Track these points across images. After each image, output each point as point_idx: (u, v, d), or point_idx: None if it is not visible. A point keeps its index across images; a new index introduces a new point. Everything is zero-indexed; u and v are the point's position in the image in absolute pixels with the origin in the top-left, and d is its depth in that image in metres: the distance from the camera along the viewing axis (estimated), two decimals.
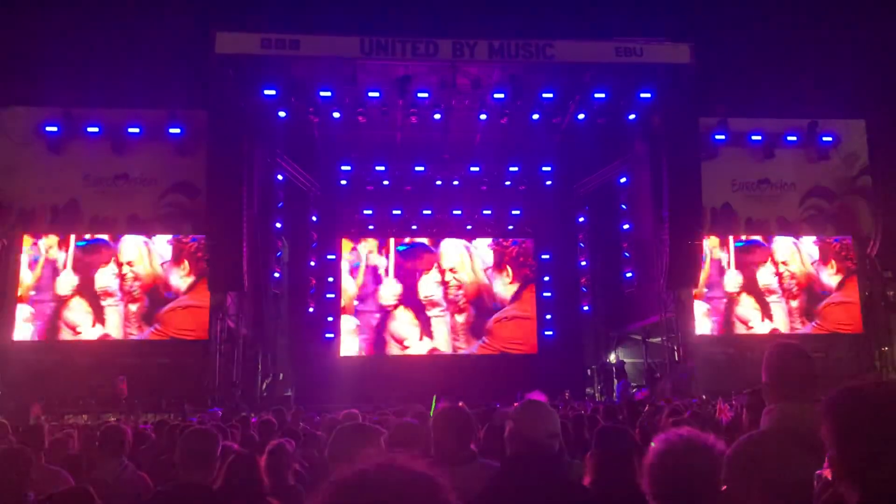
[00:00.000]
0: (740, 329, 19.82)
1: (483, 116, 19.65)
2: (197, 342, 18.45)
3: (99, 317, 18.60)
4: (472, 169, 22.85)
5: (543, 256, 23.86)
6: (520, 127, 20.17)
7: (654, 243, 19.18)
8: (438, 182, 23.06)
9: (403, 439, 3.41)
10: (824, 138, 20.54)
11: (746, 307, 20.00)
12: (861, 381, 1.91)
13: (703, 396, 14.01)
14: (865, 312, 20.03)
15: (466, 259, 23.29)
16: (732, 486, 2.29)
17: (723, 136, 20.02)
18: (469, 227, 23.76)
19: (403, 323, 22.64)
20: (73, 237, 18.96)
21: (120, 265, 18.93)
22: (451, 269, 23.09)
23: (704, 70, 18.27)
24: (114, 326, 18.63)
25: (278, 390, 20.61)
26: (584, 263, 23.91)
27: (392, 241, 23.33)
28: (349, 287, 22.98)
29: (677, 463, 2.12)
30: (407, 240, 23.40)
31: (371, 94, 18.55)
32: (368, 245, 23.32)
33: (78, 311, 18.58)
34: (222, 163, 17.37)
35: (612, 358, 22.40)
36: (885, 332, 20.18)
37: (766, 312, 20.00)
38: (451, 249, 23.32)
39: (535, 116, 19.61)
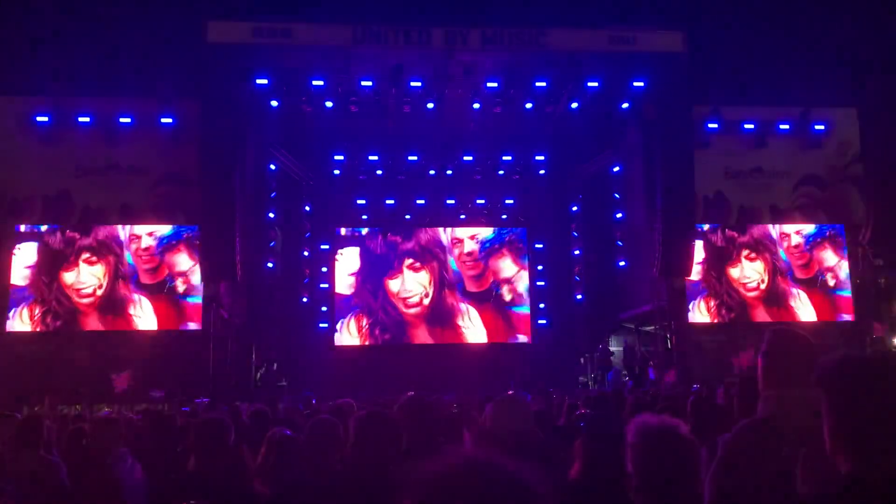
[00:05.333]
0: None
1: (476, 105, 19.59)
2: (190, 332, 18.44)
3: (91, 307, 18.55)
4: (466, 158, 22.82)
5: (537, 245, 23.88)
6: (513, 115, 20.12)
7: (646, 232, 19.20)
8: (432, 171, 23.03)
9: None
10: (816, 126, 20.58)
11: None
12: (858, 350, 1.93)
13: (696, 386, 14.07)
14: (857, 300, 20.15)
15: (462, 248, 23.28)
16: (730, 473, 2.31)
17: (715, 125, 20.03)
18: (462, 216, 23.76)
19: (398, 312, 22.65)
20: (63, 227, 18.86)
21: (111, 255, 18.89)
22: (445, 259, 23.10)
23: (697, 58, 18.26)
24: (106, 317, 18.57)
25: (272, 380, 20.59)
26: (577, 252, 23.94)
27: (386, 230, 23.30)
28: (343, 277, 22.97)
29: (649, 447, 2.16)
30: (401, 229, 23.36)
31: (364, 82, 18.46)
32: (362, 234, 23.30)
33: (70, 302, 18.53)
34: (215, 152, 17.29)
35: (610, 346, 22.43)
36: (878, 320, 20.29)
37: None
38: (446, 238, 23.31)
39: (529, 105, 19.57)
